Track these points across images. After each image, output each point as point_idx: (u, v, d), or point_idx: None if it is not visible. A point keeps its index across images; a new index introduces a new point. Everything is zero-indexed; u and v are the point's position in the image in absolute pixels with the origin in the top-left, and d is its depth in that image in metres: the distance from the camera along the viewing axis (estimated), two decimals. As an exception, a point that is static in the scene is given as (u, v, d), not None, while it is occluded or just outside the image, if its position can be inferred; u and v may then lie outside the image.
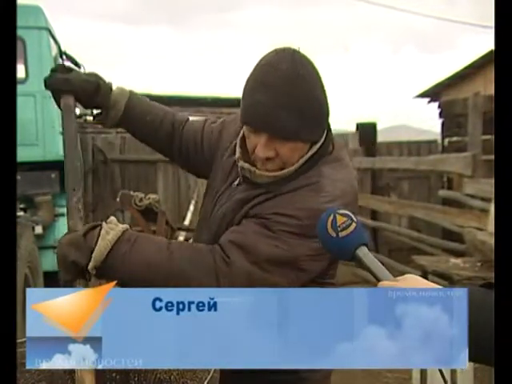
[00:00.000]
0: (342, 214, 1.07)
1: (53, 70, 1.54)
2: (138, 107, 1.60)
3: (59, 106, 1.50)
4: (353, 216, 1.08)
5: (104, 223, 1.28)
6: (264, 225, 1.30)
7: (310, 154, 1.35)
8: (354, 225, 1.07)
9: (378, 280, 1.05)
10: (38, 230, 4.99)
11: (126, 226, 1.30)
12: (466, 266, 3.33)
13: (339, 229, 1.06)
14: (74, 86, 1.50)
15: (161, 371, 1.33)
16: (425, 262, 3.52)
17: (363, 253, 1.06)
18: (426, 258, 3.94)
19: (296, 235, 1.29)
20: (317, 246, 1.16)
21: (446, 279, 3.37)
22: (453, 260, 3.57)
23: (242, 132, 1.41)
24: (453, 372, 2.71)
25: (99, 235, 1.26)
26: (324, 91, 1.34)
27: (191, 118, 1.71)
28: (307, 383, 1.43)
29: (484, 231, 4.21)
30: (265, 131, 1.30)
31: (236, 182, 1.43)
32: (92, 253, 1.24)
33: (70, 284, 1.25)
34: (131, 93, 1.61)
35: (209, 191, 1.55)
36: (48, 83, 1.52)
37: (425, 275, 3.53)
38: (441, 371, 1.02)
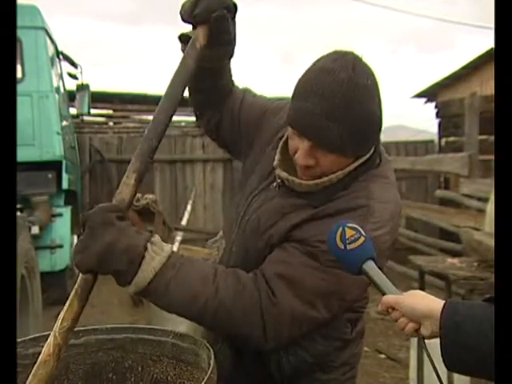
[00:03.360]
0: (351, 228, 1.09)
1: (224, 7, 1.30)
2: None
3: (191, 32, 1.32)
4: (361, 230, 1.09)
5: (149, 244, 1.16)
6: (311, 254, 1.23)
7: (354, 166, 1.28)
8: (362, 239, 1.08)
9: (383, 294, 1.06)
10: (35, 230, 4.97)
11: (170, 248, 1.19)
12: (462, 266, 3.32)
13: (347, 241, 1.07)
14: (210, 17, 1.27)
15: (157, 371, 1.32)
16: (421, 262, 3.51)
17: (369, 267, 1.07)
18: (423, 257, 3.93)
19: None
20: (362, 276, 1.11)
21: (443, 279, 3.37)
22: (449, 260, 3.57)
23: (285, 137, 1.34)
24: (449, 373, 2.71)
25: (143, 257, 1.14)
26: (380, 104, 1.25)
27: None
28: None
29: (481, 231, 4.21)
30: (310, 139, 1.22)
31: (275, 184, 1.36)
32: (134, 275, 1.14)
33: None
34: None
35: (244, 188, 1.46)
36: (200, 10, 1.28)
37: (421, 275, 3.53)
38: (437, 373, 1.02)
